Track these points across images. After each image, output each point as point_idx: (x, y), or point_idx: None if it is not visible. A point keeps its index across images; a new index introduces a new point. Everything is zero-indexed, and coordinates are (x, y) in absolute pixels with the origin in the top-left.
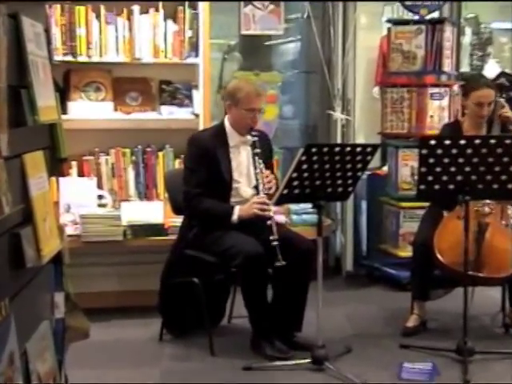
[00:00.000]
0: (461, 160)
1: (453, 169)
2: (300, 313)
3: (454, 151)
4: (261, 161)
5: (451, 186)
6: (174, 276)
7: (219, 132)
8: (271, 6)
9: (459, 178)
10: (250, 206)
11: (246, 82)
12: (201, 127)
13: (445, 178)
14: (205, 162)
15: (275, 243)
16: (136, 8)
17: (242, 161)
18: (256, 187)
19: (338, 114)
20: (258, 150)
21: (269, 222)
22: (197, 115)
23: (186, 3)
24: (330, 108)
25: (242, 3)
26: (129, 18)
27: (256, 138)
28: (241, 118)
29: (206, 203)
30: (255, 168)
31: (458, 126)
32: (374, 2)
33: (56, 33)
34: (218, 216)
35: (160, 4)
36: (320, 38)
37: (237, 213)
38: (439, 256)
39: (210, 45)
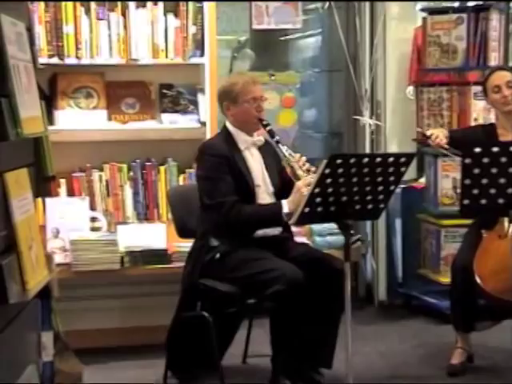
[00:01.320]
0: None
1: (502, 180)
2: (331, 344)
3: (504, 160)
4: (285, 147)
5: (501, 201)
6: (184, 309)
7: (226, 138)
8: None
9: (511, 190)
10: (297, 194)
11: (237, 75)
12: (208, 137)
13: (493, 191)
14: (227, 170)
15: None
16: (131, 2)
17: (257, 164)
18: (287, 178)
19: (366, 119)
20: (278, 138)
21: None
22: (203, 123)
23: None
24: (357, 112)
25: None
26: (123, 14)
27: (270, 127)
28: (245, 112)
29: (247, 208)
30: (283, 156)
31: (493, 129)
32: None
33: (40, 31)
34: (265, 217)
35: None
36: (344, 30)
37: (286, 206)
38: (480, 282)
39: (216, 42)
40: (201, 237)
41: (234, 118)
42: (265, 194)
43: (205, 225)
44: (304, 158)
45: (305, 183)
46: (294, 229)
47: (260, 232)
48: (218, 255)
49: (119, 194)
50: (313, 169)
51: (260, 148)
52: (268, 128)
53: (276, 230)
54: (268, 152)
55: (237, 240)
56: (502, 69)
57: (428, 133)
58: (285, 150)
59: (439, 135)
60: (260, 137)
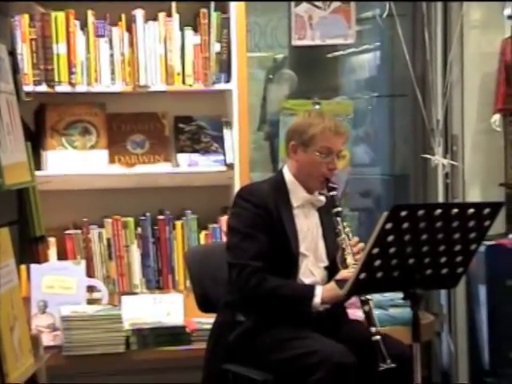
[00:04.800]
0: None
1: None
2: None
3: None
4: (345, 223)
5: None
6: None
7: (278, 187)
8: (336, 3)
9: None
10: (338, 285)
11: (320, 115)
12: (237, 183)
13: None
14: (266, 226)
15: (377, 337)
16: (139, 13)
17: (310, 228)
18: (337, 261)
19: (438, 158)
20: (339, 209)
21: (366, 308)
22: (230, 166)
23: (212, 3)
24: (427, 149)
25: (293, 2)
26: (129, 29)
27: (335, 193)
28: (312, 164)
29: (272, 281)
30: (338, 233)
31: None
32: None
33: (24, 52)
34: (291, 299)
35: (173, 5)
36: (409, 45)
37: (320, 293)
38: None
39: (247, 61)
40: (224, 308)
41: (298, 165)
42: (314, 267)
43: (230, 293)
44: (361, 246)
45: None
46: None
47: None
48: (239, 330)
49: (124, 256)
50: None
51: (320, 210)
52: (332, 193)
53: (321, 307)
54: (331, 216)
55: (269, 314)
56: None
57: None
58: (344, 226)
59: None
60: (322, 197)
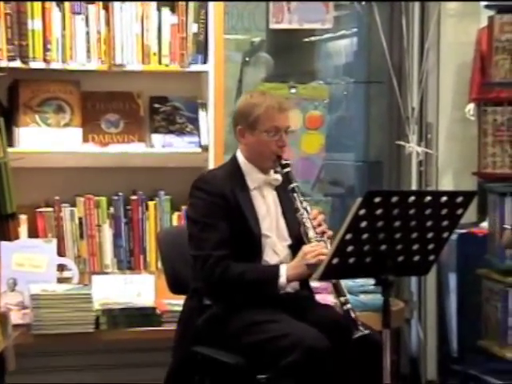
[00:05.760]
0: None
1: None
2: None
3: None
4: (302, 197)
5: None
6: None
7: (233, 171)
8: None
9: None
10: (302, 261)
11: (262, 95)
12: (211, 165)
13: None
14: (224, 213)
15: (348, 306)
16: None
17: (269, 208)
18: (299, 236)
19: (413, 146)
20: (295, 184)
21: (333, 280)
22: (205, 148)
23: None
24: (402, 137)
25: None
26: (106, 7)
27: (289, 169)
28: (261, 144)
29: (236, 268)
30: (296, 209)
31: None
32: None
33: None
34: (257, 282)
35: None
36: (386, 31)
37: (285, 273)
38: None
39: (224, 43)
40: (192, 294)
41: (248, 148)
42: (278, 247)
43: (197, 281)
44: (321, 217)
45: (314, 251)
46: (317, 284)
47: None
48: (208, 314)
49: (96, 235)
50: (329, 233)
51: (278, 188)
52: (286, 170)
53: (289, 287)
54: (288, 193)
55: (238, 300)
56: None
57: None
58: (300, 201)
59: None
60: (278, 175)
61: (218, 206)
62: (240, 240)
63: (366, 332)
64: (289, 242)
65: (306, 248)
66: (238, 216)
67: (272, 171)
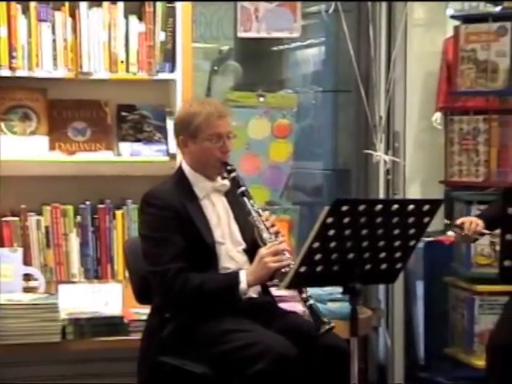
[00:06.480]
0: None
1: None
2: None
3: None
4: (252, 201)
5: None
6: None
7: (180, 183)
8: None
9: None
10: (260, 263)
11: (201, 103)
12: None
13: None
14: (176, 226)
15: (311, 301)
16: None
17: (220, 215)
18: (251, 240)
19: (380, 154)
20: (244, 188)
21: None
22: (172, 156)
23: None
24: (369, 145)
25: None
26: (72, 14)
27: (235, 174)
28: (205, 153)
29: (196, 278)
30: (248, 213)
31: None
32: None
33: None
34: (218, 291)
35: None
36: (354, 41)
37: (245, 278)
38: None
39: (192, 52)
40: (153, 311)
41: (192, 157)
42: (233, 253)
43: (156, 295)
44: (273, 218)
45: (270, 251)
46: (285, 293)
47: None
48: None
49: (63, 244)
50: (281, 237)
51: (227, 194)
52: (233, 175)
53: (252, 292)
54: (238, 198)
55: (202, 311)
56: None
57: (458, 221)
58: (250, 204)
59: (472, 221)
60: (225, 181)
61: (169, 219)
62: (195, 250)
63: (332, 325)
64: (243, 246)
65: (262, 251)
66: (190, 227)
67: (219, 178)
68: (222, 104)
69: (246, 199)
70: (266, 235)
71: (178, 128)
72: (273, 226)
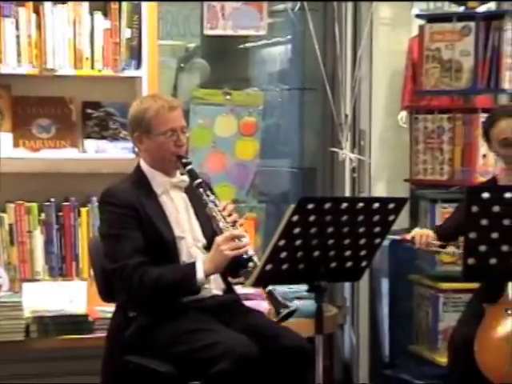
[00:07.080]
0: None
1: None
2: None
3: None
4: (208, 192)
5: None
6: None
7: (138, 180)
8: None
9: None
10: (217, 252)
11: (152, 98)
12: None
13: (505, 248)
14: (135, 223)
15: (269, 288)
16: None
17: (179, 210)
18: (211, 230)
19: (346, 152)
20: (199, 180)
21: (251, 264)
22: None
23: None
24: (335, 143)
25: None
26: (36, 10)
27: (190, 166)
28: (160, 147)
29: (154, 272)
30: (205, 204)
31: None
32: None
33: None
34: (176, 282)
35: None
36: (320, 40)
37: (201, 268)
38: (477, 359)
39: (158, 49)
40: (118, 308)
41: (148, 153)
42: (194, 249)
43: (119, 292)
44: (231, 207)
45: (225, 238)
46: (252, 291)
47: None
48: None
49: (27, 242)
50: (241, 221)
51: (187, 190)
52: (188, 168)
53: (215, 290)
54: (198, 194)
55: (162, 307)
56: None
57: (408, 236)
58: (208, 194)
59: (423, 234)
60: (184, 176)
61: (127, 216)
62: (155, 247)
63: (292, 308)
64: (204, 242)
65: (218, 239)
66: (149, 224)
67: (178, 173)
68: (173, 98)
69: (201, 190)
70: (222, 224)
71: (132, 125)
72: (230, 215)
